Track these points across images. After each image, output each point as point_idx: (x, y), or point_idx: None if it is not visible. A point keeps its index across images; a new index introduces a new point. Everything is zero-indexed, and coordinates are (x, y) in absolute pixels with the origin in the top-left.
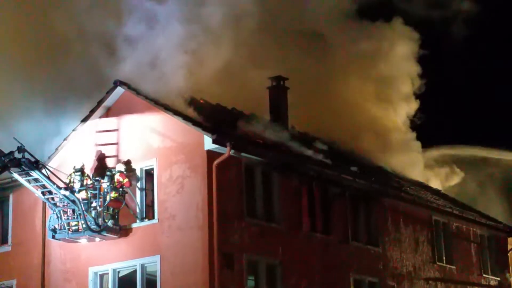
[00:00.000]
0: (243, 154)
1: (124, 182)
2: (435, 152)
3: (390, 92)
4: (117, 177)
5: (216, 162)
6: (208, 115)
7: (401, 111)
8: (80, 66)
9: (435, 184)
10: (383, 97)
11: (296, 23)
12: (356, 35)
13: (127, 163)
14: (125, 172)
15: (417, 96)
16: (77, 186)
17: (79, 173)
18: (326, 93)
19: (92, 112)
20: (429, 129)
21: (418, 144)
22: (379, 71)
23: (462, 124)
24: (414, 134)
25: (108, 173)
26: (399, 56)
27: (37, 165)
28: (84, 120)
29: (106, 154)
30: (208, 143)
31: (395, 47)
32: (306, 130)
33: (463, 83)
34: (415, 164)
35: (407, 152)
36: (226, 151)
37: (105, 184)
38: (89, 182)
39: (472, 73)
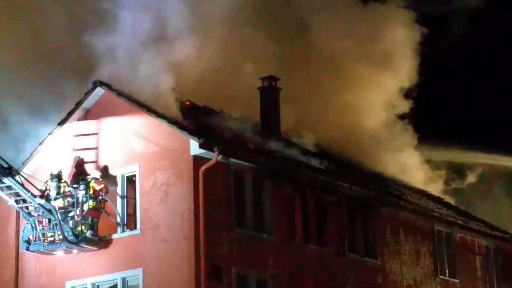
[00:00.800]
0: (232, 159)
1: (99, 189)
2: (434, 154)
3: (385, 89)
4: (92, 184)
5: (203, 168)
6: (194, 118)
7: (398, 109)
8: (58, 65)
9: (435, 190)
10: (379, 95)
11: (284, 12)
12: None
13: (104, 169)
14: (100, 179)
15: (413, 95)
16: (53, 194)
17: (55, 180)
18: (319, 93)
19: (69, 114)
20: (426, 129)
21: (415, 145)
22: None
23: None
24: (412, 135)
25: (82, 180)
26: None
27: (10, 171)
28: (61, 123)
29: (85, 160)
30: (194, 147)
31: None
32: (300, 133)
33: (462, 82)
34: (414, 167)
35: (405, 155)
36: (214, 156)
37: (81, 192)
38: (67, 189)
39: (472, 72)
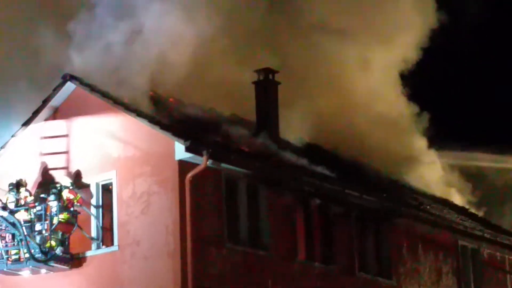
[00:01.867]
0: (223, 164)
1: (76, 200)
2: (456, 159)
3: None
4: (66, 194)
5: (190, 174)
6: (179, 118)
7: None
8: (22, 56)
9: (459, 200)
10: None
11: None
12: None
13: (76, 176)
14: (72, 187)
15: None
16: (12, 205)
17: (14, 189)
18: (323, 87)
19: (35, 113)
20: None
21: (431, 150)
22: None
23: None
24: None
25: (53, 189)
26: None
27: None
28: (26, 123)
29: (54, 166)
30: (180, 151)
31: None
32: (301, 134)
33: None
34: (433, 174)
35: (423, 159)
36: (203, 161)
37: (52, 203)
38: (29, 200)
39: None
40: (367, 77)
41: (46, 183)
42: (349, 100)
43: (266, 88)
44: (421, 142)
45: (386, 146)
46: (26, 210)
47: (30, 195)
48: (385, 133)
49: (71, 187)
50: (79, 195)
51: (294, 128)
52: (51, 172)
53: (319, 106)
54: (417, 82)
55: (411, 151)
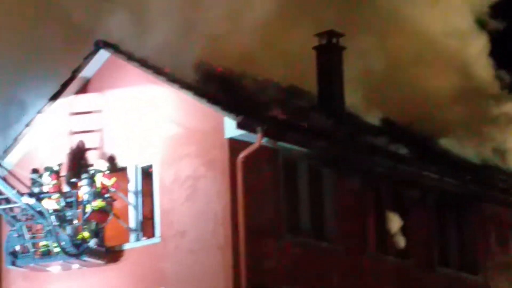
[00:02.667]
0: (280, 143)
1: (110, 185)
2: None
3: None
4: (99, 179)
5: (242, 155)
6: (230, 90)
7: None
8: (49, 22)
9: None
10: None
11: None
12: None
13: (111, 160)
14: (107, 172)
15: None
16: (47, 190)
17: (49, 174)
18: (394, 50)
19: (64, 86)
20: None
21: None
22: None
23: None
24: None
25: (85, 174)
26: None
27: None
28: (54, 97)
29: (85, 146)
30: (230, 128)
31: None
32: (371, 108)
33: None
34: None
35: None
36: (257, 139)
37: (83, 189)
38: (58, 185)
39: None
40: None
41: (77, 166)
42: (425, 68)
43: (329, 54)
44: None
45: (469, 121)
46: (55, 197)
47: (59, 179)
48: (468, 106)
49: (105, 171)
50: (114, 180)
51: (362, 100)
52: (82, 153)
53: (390, 74)
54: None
55: (500, 126)
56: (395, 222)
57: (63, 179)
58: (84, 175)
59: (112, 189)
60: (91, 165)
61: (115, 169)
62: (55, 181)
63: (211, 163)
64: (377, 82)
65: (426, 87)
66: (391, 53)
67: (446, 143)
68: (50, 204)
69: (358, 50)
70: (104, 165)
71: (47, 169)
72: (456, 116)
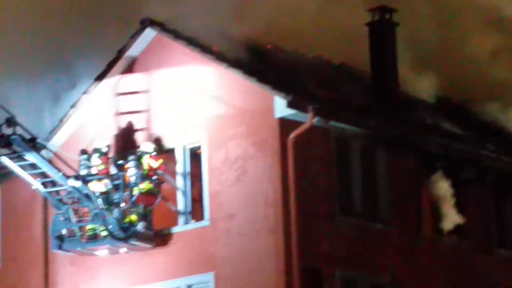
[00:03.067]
0: (332, 123)
1: (156, 167)
2: None
3: None
4: (146, 160)
5: (292, 135)
6: (280, 68)
7: None
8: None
9: None
10: None
11: None
12: None
13: (158, 141)
14: (154, 153)
15: None
16: (95, 172)
17: (98, 155)
18: (451, 26)
19: (110, 66)
20: None
21: None
22: None
23: None
24: None
25: (132, 156)
26: None
27: (34, 144)
28: (99, 78)
29: (132, 127)
30: (280, 108)
31: None
32: (425, 85)
33: None
34: None
35: None
36: (308, 118)
37: (130, 171)
38: (105, 168)
39: None
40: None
41: (124, 147)
42: (481, 42)
43: (382, 30)
44: None
45: None
46: (102, 179)
47: (107, 162)
48: None
49: (152, 153)
50: (160, 162)
51: (416, 78)
52: (129, 134)
53: (446, 50)
54: None
55: None
56: (450, 203)
57: (110, 161)
58: (130, 157)
59: (159, 171)
60: (138, 147)
61: (162, 150)
62: (103, 163)
63: (261, 143)
64: (431, 59)
65: (483, 63)
66: (445, 28)
67: (503, 121)
68: (97, 187)
69: (411, 25)
70: (150, 147)
71: (95, 150)
72: None
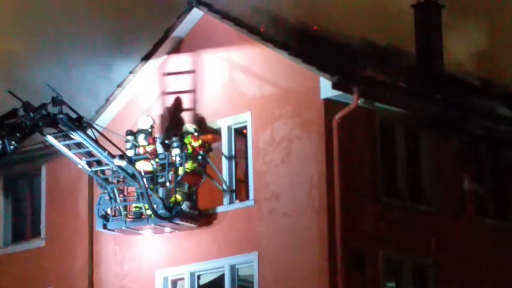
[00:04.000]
0: (377, 104)
1: (197, 146)
2: None
3: None
4: (189, 140)
5: (338, 116)
6: (326, 49)
7: None
8: None
9: None
10: None
11: None
12: None
13: (200, 121)
14: (196, 134)
15: None
16: (141, 152)
17: (144, 136)
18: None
19: (156, 46)
20: None
21: None
22: None
23: None
24: None
25: (175, 136)
26: None
27: (80, 123)
28: (146, 58)
29: (178, 107)
30: (326, 89)
31: None
32: (470, 69)
33: None
34: None
35: None
36: (353, 100)
37: (175, 151)
38: (151, 147)
39: None
40: None
41: (170, 127)
42: None
43: (428, 12)
44: None
45: None
46: (148, 159)
47: (153, 142)
48: None
49: (195, 133)
50: (200, 142)
51: (461, 59)
52: (175, 114)
53: (491, 31)
54: None
55: None
56: (494, 184)
57: (156, 141)
58: (174, 138)
59: (201, 152)
60: (183, 127)
61: (208, 130)
62: (150, 143)
63: (307, 124)
64: (476, 41)
65: None
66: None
67: None
68: (143, 166)
69: (457, 7)
70: (192, 127)
71: (141, 131)
72: None
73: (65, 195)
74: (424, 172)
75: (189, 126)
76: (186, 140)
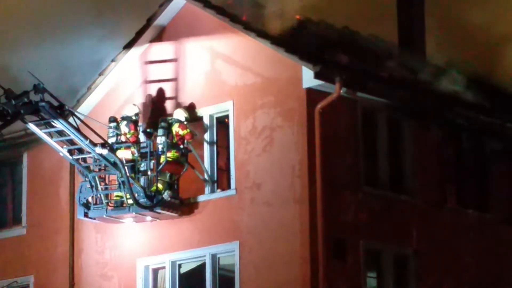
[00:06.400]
0: (359, 94)
1: (183, 134)
2: None
3: None
4: (175, 129)
5: (320, 105)
6: (308, 39)
7: None
8: None
9: None
10: None
11: None
12: None
13: (190, 109)
14: (185, 123)
15: None
16: (123, 140)
17: (126, 123)
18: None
19: (139, 34)
20: None
21: None
22: None
23: None
24: None
25: (162, 123)
26: None
27: (62, 111)
28: (128, 46)
29: (159, 95)
30: (308, 78)
31: None
32: (451, 59)
33: None
34: None
35: None
36: (335, 89)
37: (159, 139)
38: (136, 134)
39: None
40: None
41: (152, 116)
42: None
43: (410, 3)
44: None
45: None
46: (129, 147)
47: (135, 129)
48: None
49: (183, 121)
50: (187, 130)
51: (443, 49)
52: (157, 103)
53: (475, 20)
54: None
55: None
56: (475, 175)
57: (139, 129)
58: (161, 125)
59: (186, 141)
60: (168, 115)
61: (190, 119)
62: (132, 131)
63: (288, 113)
64: (459, 30)
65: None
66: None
67: None
68: (124, 155)
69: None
70: (182, 115)
71: (124, 118)
72: None
73: (47, 183)
74: (406, 162)
75: (180, 114)
76: (173, 128)
